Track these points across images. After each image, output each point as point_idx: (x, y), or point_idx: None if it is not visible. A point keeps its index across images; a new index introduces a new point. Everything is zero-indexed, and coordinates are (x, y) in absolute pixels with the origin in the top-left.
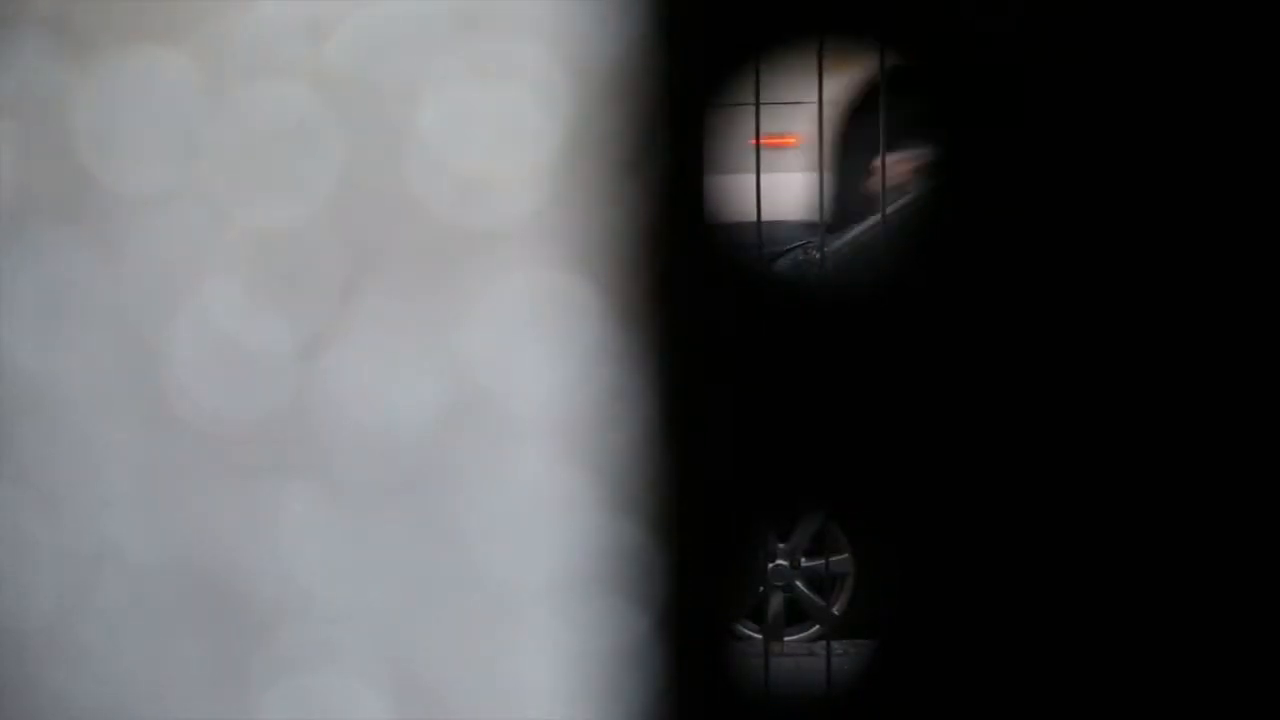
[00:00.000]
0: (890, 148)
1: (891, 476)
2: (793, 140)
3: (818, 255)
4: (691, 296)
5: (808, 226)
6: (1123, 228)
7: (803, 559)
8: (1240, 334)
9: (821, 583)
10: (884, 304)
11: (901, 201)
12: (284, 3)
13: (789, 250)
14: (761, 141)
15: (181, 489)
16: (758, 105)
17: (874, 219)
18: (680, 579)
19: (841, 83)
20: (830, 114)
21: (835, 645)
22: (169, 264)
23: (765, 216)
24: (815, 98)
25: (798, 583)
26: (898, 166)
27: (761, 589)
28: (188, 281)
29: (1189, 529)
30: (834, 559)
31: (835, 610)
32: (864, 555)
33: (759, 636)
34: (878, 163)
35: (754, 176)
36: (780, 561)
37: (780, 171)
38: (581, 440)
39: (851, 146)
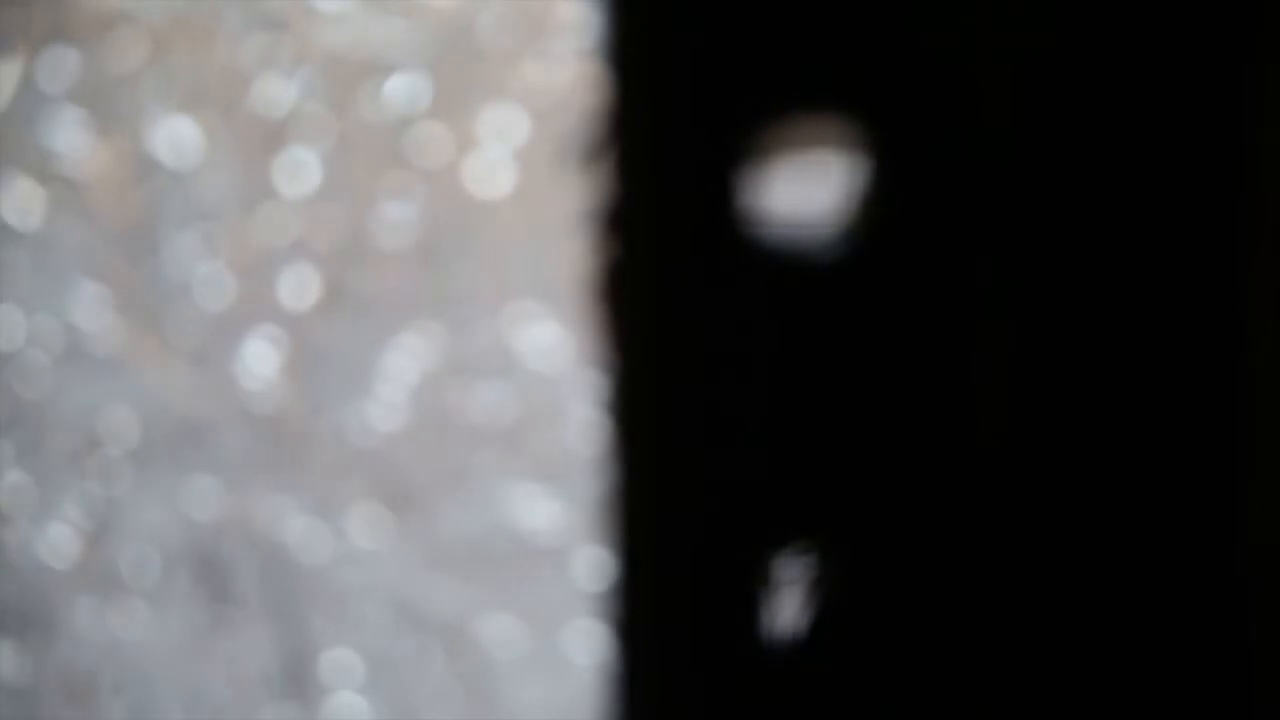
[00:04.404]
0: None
1: (855, 491)
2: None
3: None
4: (670, 293)
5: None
6: (1120, 239)
7: (793, 561)
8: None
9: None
10: (860, 300)
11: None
12: (303, 75)
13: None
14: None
15: (214, 454)
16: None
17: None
18: (661, 584)
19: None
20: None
21: (802, 613)
22: (198, 325)
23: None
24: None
25: (787, 577)
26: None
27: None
28: (219, 342)
29: (1146, 534)
30: (805, 559)
31: (802, 592)
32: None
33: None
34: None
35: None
36: (777, 562)
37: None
38: (548, 436)
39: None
